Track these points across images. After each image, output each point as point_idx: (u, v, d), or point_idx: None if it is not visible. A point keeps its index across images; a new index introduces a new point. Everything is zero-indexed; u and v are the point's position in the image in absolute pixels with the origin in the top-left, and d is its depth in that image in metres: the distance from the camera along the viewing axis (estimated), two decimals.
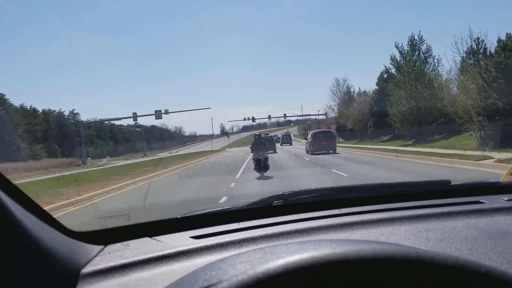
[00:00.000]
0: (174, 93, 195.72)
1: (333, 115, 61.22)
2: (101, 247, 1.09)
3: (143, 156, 63.63)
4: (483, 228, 1.11)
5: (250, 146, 13.72)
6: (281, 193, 1.42)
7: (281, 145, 51.93)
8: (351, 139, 51.51)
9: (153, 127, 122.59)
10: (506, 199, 1.36)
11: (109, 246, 1.11)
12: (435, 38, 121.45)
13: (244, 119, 72.99)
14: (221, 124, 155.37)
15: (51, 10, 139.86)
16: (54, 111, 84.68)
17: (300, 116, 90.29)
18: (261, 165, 12.71)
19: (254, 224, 1.22)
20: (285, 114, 74.22)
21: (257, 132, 18.94)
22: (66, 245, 0.96)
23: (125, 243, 1.13)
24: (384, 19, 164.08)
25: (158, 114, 51.70)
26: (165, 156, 55.63)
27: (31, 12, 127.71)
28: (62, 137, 76.35)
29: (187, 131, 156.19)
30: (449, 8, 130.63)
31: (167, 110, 52.37)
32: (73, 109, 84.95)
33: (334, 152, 26.06)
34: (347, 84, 64.38)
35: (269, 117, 69.62)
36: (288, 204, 1.38)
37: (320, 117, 72.90)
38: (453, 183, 1.54)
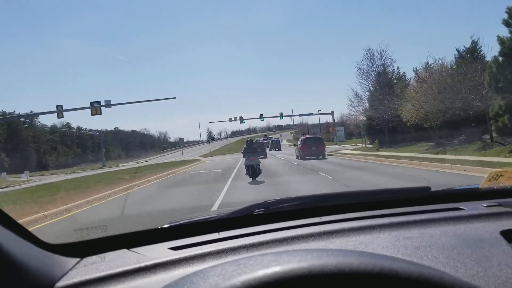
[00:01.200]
0: (164, 99, 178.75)
1: (361, 106, 39.06)
2: (77, 259, 1.10)
3: (100, 168, 52.06)
4: (460, 235, 1.16)
5: (242, 151, 14.70)
6: (263, 201, 1.45)
7: (270, 150, 51.66)
8: (405, 142, 31.44)
9: (133, 132, 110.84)
10: (485, 205, 1.40)
11: (86, 258, 1.12)
12: None
13: (230, 119, 60.04)
14: (208, 129, 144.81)
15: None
16: (8, 114, 68.19)
17: (298, 115, 73.16)
18: (253, 171, 13.55)
19: (235, 233, 1.24)
20: (281, 114, 60.45)
21: (248, 137, 18.49)
22: (41, 258, 0.98)
23: (102, 255, 1.14)
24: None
25: (95, 107, 37.82)
26: (128, 167, 43.66)
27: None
28: (13, 143, 63.29)
29: (173, 137, 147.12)
30: None
31: (109, 101, 38.84)
32: (31, 111, 69.49)
33: (323, 158, 26.72)
34: (384, 58, 37.74)
35: (261, 116, 59.63)
36: (269, 213, 1.41)
37: (322, 117, 63.59)
38: (433, 189, 1.59)
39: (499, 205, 1.39)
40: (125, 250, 1.16)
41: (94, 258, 1.12)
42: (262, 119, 60.57)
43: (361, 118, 42.11)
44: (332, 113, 59.52)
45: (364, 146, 36.70)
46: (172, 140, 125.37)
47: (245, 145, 14.70)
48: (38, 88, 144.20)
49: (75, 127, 75.91)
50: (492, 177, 1.49)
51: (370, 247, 1.10)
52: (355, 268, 0.62)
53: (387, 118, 31.85)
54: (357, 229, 1.21)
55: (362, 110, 39.15)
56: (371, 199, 1.59)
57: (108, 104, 37.65)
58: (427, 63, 31.71)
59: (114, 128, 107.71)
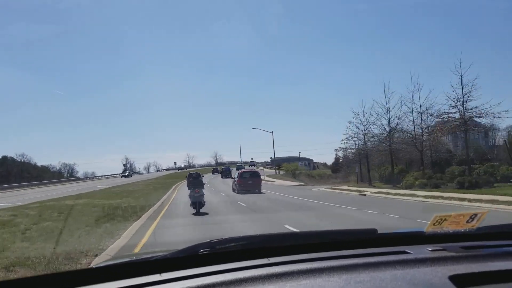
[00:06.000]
0: (93, 135, 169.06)
1: None
2: None
3: None
4: (410, 280, 1.17)
5: (187, 184, 16.68)
6: (208, 240, 1.40)
7: (221, 177, 55.22)
8: None
9: (4, 158, 76.43)
10: (430, 249, 1.44)
11: None
12: None
13: None
14: (126, 158, 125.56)
15: None
16: None
17: None
18: (198, 203, 15.30)
19: (178, 275, 1.17)
20: None
21: (193, 171, 21.07)
22: None
23: None
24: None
25: None
26: None
27: None
28: None
29: (84, 169, 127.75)
30: None
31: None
32: None
33: (259, 192, 27.19)
34: None
35: None
36: (215, 253, 1.36)
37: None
38: (379, 231, 1.63)
39: (444, 249, 1.42)
40: None
41: None
42: None
43: None
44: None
45: None
46: (80, 174, 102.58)
47: (190, 178, 16.59)
48: None
49: None
50: (436, 221, 1.54)
51: None
52: None
53: None
54: (306, 272, 1.20)
55: None
56: (319, 240, 1.59)
57: None
58: None
59: None
